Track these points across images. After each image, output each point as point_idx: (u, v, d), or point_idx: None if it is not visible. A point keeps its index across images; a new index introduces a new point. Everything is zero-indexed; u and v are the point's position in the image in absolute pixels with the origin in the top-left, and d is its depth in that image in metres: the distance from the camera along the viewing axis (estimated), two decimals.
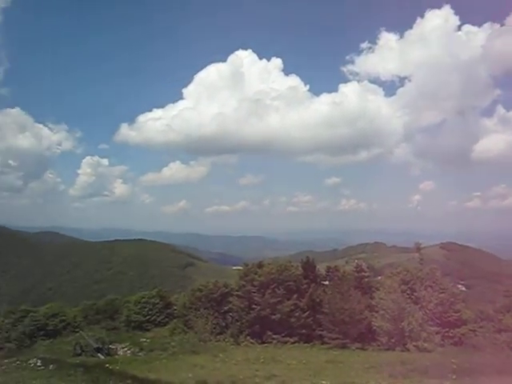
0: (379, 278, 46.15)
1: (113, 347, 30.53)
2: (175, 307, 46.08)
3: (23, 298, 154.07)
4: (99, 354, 27.37)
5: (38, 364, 11.03)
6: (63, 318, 44.87)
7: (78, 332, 35.14)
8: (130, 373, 10.96)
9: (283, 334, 33.74)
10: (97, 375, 9.87)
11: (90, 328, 40.43)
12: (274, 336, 33.60)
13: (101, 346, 28.83)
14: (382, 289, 34.00)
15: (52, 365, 10.93)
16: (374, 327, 31.25)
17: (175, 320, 42.45)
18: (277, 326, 34.12)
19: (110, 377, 10.01)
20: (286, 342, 32.82)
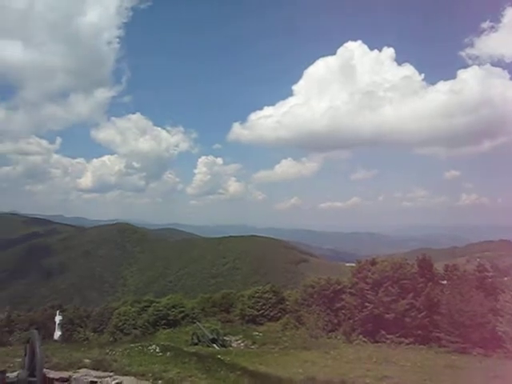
0: (505, 278, 42.56)
1: (227, 339, 31.41)
2: (287, 303, 46.33)
3: (147, 290, 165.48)
4: (214, 345, 28.30)
5: (157, 350, 11.75)
6: (182, 309, 47.13)
7: (195, 323, 36.70)
8: (241, 364, 11.24)
9: (397, 335, 32.44)
10: (209, 365, 10.26)
11: (207, 320, 42.08)
12: (388, 336, 32.42)
13: (216, 337, 29.77)
14: (507, 291, 31.28)
15: (169, 352, 11.56)
16: (499, 333, 28.82)
17: (287, 315, 42.70)
18: (391, 326, 32.91)
19: (221, 367, 10.35)
20: (400, 343, 31.53)
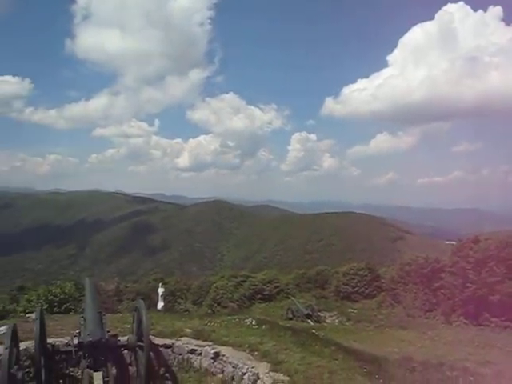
0: None
1: (321, 315, 31.46)
2: (383, 280, 45.46)
3: (243, 265, 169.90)
4: (309, 320, 28.51)
5: (253, 323, 12.12)
6: (277, 284, 47.96)
7: (289, 298, 37.19)
8: (335, 340, 11.29)
9: (503, 318, 30.51)
10: (304, 339, 10.42)
11: (301, 295, 42.42)
12: (492, 319, 30.62)
13: (310, 313, 29.95)
14: None
15: (265, 325, 11.88)
16: None
17: (383, 293, 41.85)
18: (495, 308, 31.05)
19: (316, 342, 10.47)
20: (505, 327, 29.74)
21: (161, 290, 22.69)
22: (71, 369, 9.43)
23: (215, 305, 44.78)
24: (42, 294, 30.06)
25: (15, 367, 6.83)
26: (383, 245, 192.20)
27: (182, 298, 44.28)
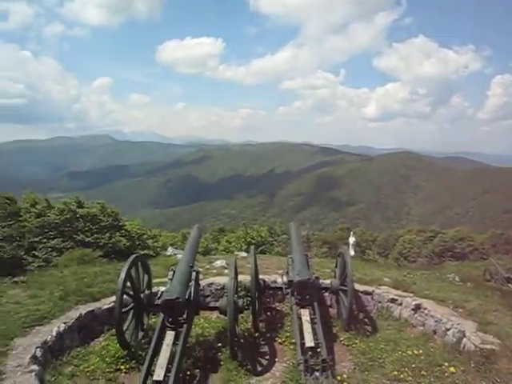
0: None
1: None
2: None
3: (431, 219, 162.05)
4: (509, 285, 26.42)
5: (457, 279, 11.64)
6: (470, 242, 45.11)
7: (485, 259, 34.66)
8: None
9: None
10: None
11: (498, 257, 39.28)
12: None
13: (511, 276, 27.71)
14: None
15: (469, 283, 11.33)
16: None
17: None
18: None
19: None
20: None
21: (352, 239, 23.00)
22: (277, 303, 10.28)
23: (401, 259, 44.05)
24: (241, 236, 33.10)
25: (235, 296, 7.69)
26: None
27: (369, 249, 44.51)
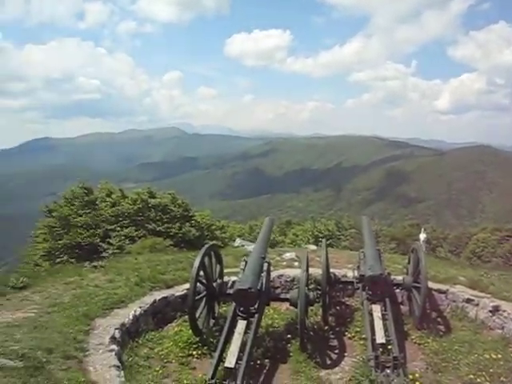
0: None
1: None
2: None
3: (508, 218, 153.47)
4: None
5: None
6: None
7: None
8: None
9: None
10: None
11: None
12: None
13: None
14: None
15: None
16: None
17: None
18: None
19: None
20: None
21: (423, 236, 22.32)
22: (346, 298, 10.19)
23: (474, 258, 42.16)
24: (309, 229, 33.07)
25: (306, 288, 7.69)
26: None
27: (440, 247, 42.99)
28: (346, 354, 7.91)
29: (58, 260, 21.64)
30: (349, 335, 8.55)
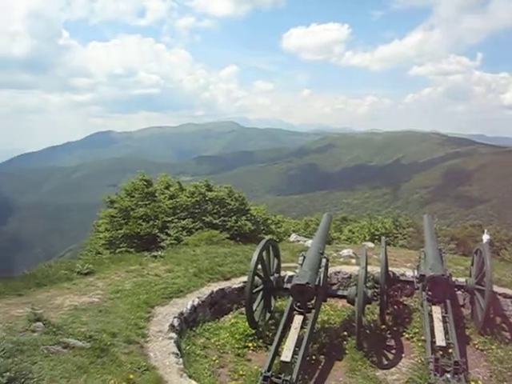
0: None
1: None
2: None
3: None
4: None
5: None
6: None
7: None
8: None
9: None
10: None
11: None
12: None
13: None
14: None
15: None
16: None
17: None
18: None
19: None
20: None
21: (486, 237, 21.40)
22: (404, 298, 9.95)
23: None
24: (365, 226, 32.44)
25: (364, 286, 7.58)
26: None
27: (504, 249, 41.19)
28: (403, 355, 7.77)
29: (118, 249, 22.39)
30: (407, 336, 8.37)
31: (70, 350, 5.44)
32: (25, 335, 5.67)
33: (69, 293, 8.16)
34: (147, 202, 24.80)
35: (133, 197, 25.08)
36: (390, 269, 9.58)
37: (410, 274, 9.56)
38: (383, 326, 8.53)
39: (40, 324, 5.99)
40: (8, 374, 4.30)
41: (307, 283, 7.08)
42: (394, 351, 7.88)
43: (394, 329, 8.60)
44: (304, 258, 8.04)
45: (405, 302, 9.78)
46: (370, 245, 14.06)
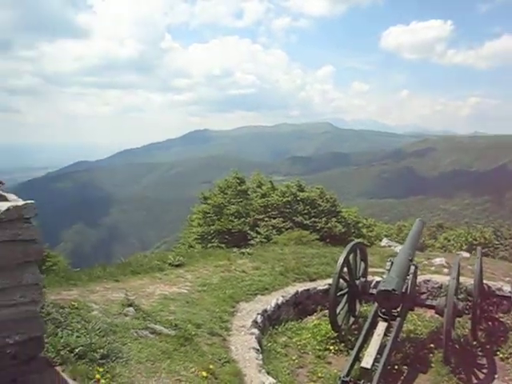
0: None
1: None
2: None
3: None
4: None
5: None
6: None
7: None
8: None
9: None
10: None
11: None
12: None
13: None
14: None
15: None
16: None
17: None
18: None
19: None
20: None
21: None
22: (501, 314, 9.30)
23: None
24: (462, 234, 30.83)
25: (455, 297, 7.18)
26: None
27: None
28: (496, 376, 7.24)
29: (210, 244, 23.16)
30: (501, 355, 7.76)
31: (156, 336, 5.75)
32: (118, 318, 6.07)
33: (160, 282, 8.60)
34: (239, 200, 25.42)
35: (226, 194, 25.82)
36: (485, 281, 9.00)
37: (507, 288, 8.93)
38: (474, 343, 7.99)
39: (132, 309, 6.40)
40: (102, 350, 4.70)
41: (393, 290, 6.87)
42: (485, 370, 7.37)
43: (487, 346, 8.02)
44: (392, 263, 7.80)
45: (501, 319, 9.14)
46: (466, 255, 13.30)
